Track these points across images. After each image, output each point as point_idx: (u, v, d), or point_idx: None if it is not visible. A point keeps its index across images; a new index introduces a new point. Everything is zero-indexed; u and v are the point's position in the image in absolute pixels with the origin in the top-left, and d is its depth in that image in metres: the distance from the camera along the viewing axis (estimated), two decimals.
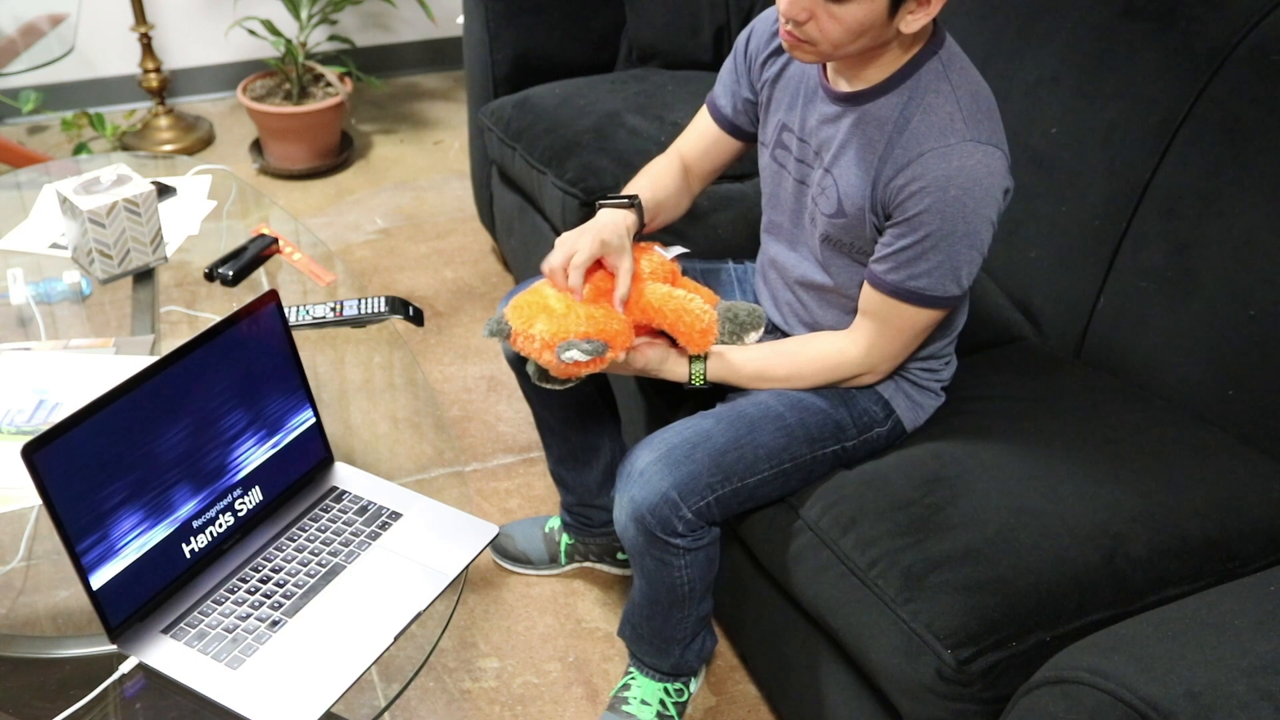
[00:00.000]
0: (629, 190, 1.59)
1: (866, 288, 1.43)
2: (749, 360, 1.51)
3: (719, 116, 1.61)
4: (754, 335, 1.52)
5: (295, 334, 1.38)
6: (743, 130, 1.61)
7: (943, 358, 1.57)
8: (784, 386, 1.52)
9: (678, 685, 1.69)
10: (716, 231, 1.99)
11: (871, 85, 1.38)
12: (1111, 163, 1.69)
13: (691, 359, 1.50)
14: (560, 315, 1.42)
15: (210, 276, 1.78)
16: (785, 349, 1.53)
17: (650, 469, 1.43)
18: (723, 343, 1.50)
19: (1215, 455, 1.49)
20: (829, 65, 1.43)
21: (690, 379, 1.50)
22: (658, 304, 1.47)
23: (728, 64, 1.58)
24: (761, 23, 1.53)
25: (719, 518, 1.48)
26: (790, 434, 1.47)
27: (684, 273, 1.61)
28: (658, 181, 1.61)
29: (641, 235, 1.58)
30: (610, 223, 1.48)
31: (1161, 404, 1.60)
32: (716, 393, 1.61)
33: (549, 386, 1.52)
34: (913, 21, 1.29)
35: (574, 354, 1.39)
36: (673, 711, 1.69)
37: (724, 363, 1.51)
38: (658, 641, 1.63)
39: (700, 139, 1.64)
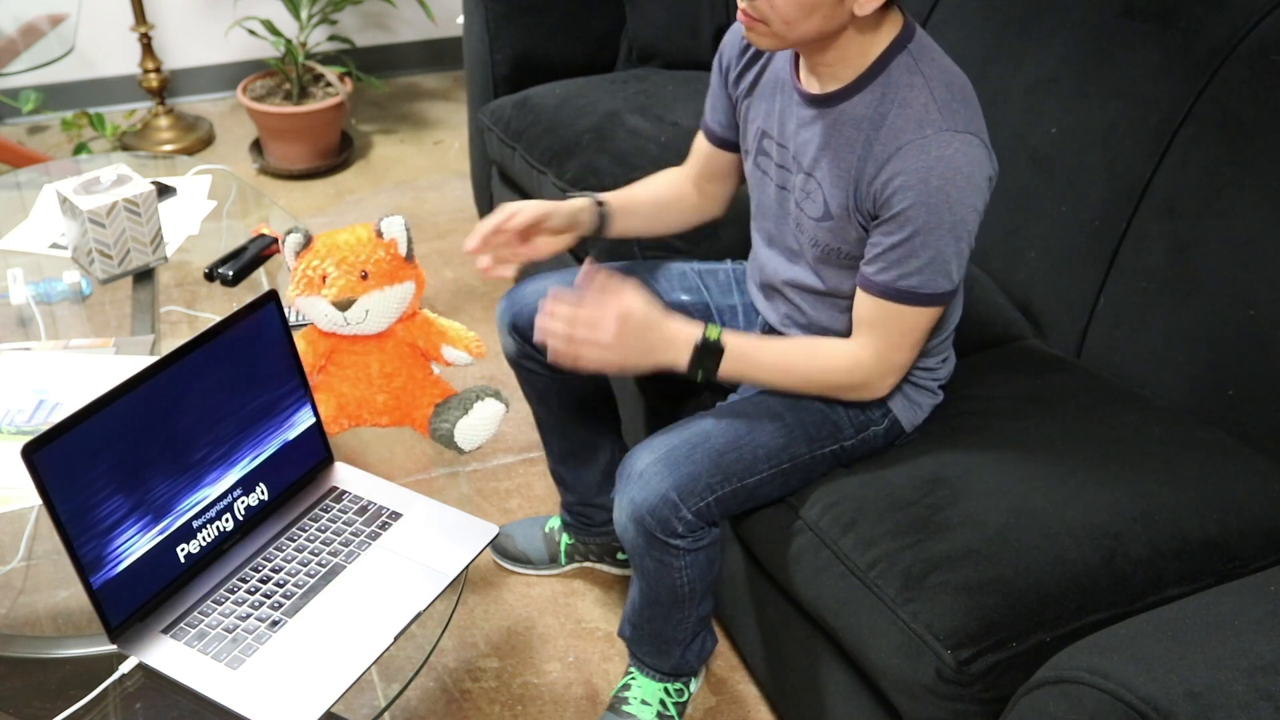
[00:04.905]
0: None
1: (860, 294, 1.41)
2: (769, 341, 1.49)
3: (706, 131, 1.64)
4: (490, 406, 1.54)
5: (295, 334, 1.38)
6: (730, 143, 1.62)
7: (939, 355, 1.56)
8: (799, 381, 1.47)
9: (678, 685, 1.69)
10: (716, 232, 1.99)
11: (843, 85, 1.37)
12: (1111, 163, 1.69)
13: (708, 324, 1.44)
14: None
15: (210, 276, 1.78)
16: (802, 341, 1.50)
17: (650, 470, 1.42)
18: (451, 415, 1.51)
19: (1215, 455, 1.49)
20: (800, 68, 1.42)
21: (705, 334, 1.42)
22: (423, 325, 1.56)
23: (710, 79, 1.60)
24: (731, 34, 1.54)
25: (719, 518, 1.48)
26: (789, 434, 1.47)
27: (683, 274, 1.61)
28: (641, 186, 1.70)
29: (620, 234, 1.64)
30: (562, 202, 1.59)
31: (1161, 404, 1.60)
32: (717, 393, 1.61)
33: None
34: (865, 4, 1.28)
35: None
36: (673, 711, 1.68)
37: (741, 336, 1.45)
38: (658, 642, 1.62)
39: (696, 155, 1.68)
